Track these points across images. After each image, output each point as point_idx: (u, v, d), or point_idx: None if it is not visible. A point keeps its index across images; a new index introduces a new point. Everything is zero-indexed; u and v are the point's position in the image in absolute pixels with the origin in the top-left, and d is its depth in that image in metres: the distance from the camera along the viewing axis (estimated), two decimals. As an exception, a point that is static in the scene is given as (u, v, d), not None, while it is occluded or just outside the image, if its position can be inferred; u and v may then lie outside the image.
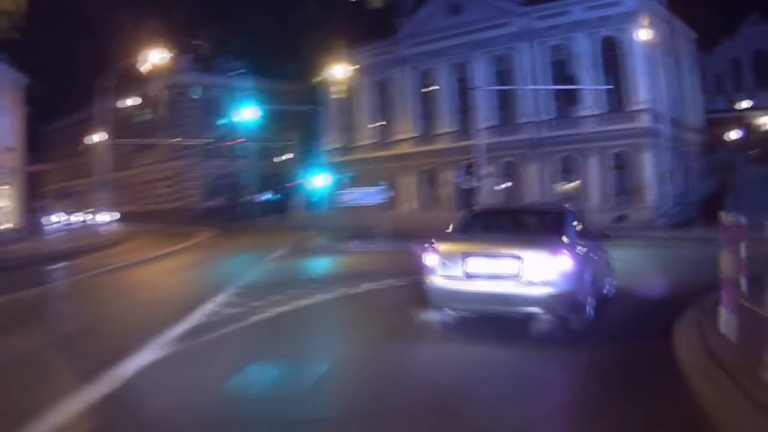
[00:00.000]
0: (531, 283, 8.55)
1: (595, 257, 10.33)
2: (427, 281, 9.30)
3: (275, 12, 64.75)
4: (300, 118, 63.29)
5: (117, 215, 49.72)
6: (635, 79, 42.50)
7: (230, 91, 65.99)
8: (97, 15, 61.81)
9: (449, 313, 9.54)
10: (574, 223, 10.00)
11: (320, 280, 18.08)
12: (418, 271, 10.38)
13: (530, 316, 8.91)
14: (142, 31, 45.76)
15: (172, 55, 41.44)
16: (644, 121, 42.37)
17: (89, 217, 58.77)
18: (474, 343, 8.83)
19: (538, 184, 45.57)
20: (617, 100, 43.54)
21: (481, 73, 47.50)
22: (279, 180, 66.49)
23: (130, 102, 58.63)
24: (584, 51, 43.92)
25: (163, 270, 22.91)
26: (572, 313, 8.87)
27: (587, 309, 9.18)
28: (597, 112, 43.86)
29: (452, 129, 49.44)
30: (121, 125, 57.91)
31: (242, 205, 65.61)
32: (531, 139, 45.70)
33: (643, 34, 38.63)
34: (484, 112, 45.87)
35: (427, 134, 51.02)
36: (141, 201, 75.48)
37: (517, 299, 8.65)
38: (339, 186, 45.58)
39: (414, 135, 51.58)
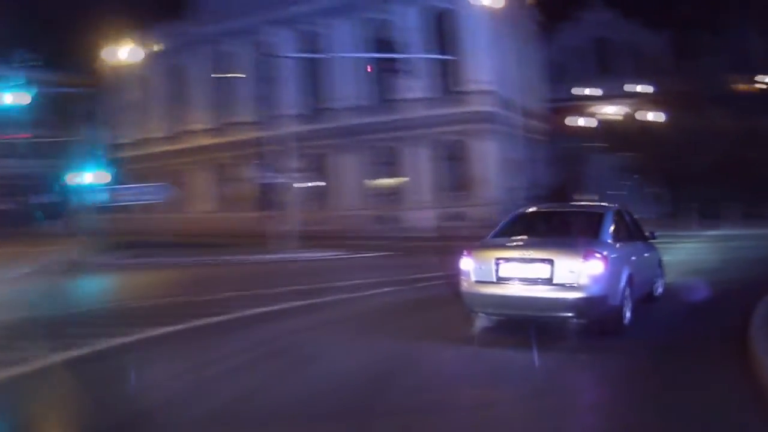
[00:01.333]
0: (563, 287, 8.51)
1: (637, 258, 10.14)
2: (462, 286, 9.22)
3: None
4: (86, 111, 53.23)
5: None
6: (474, 56, 36.06)
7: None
8: None
9: (483, 318, 9.53)
10: (613, 223, 9.70)
11: (54, 325, 10.37)
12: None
13: (563, 321, 9.02)
14: None
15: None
16: (484, 104, 36.11)
17: None
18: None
19: (355, 179, 38.98)
20: (452, 81, 36.99)
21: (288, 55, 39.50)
22: (59, 179, 55.86)
23: None
24: (413, 26, 37.28)
25: None
26: (606, 318, 8.80)
27: (624, 313, 9.07)
28: (428, 94, 37.14)
29: (253, 118, 41.43)
30: None
31: (27, 209, 54.96)
32: (348, 126, 38.56)
33: (484, 5, 31.78)
34: (291, 98, 38.71)
35: (224, 124, 43.65)
36: None
37: (548, 304, 8.61)
38: (115, 183, 36.29)
39: (210, 126, 44.32)
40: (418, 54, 35.00)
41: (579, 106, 46.73)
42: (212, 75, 42.89)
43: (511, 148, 36.01)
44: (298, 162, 35.24)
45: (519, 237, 9.76)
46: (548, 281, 8.55)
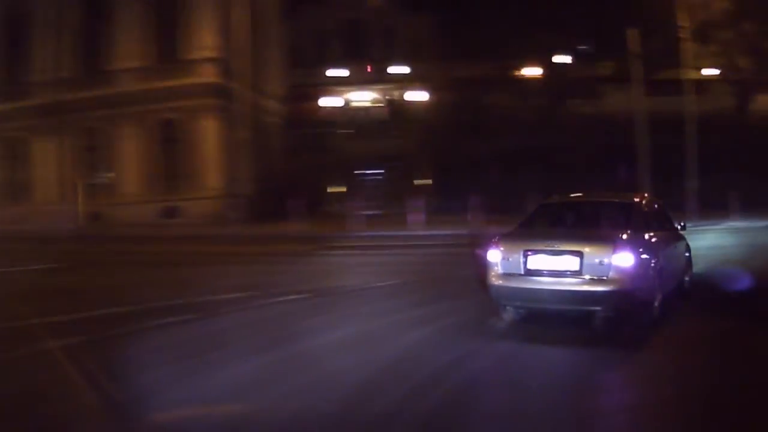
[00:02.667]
0: (591, 281, 8.45)
1: (667, 250, 9.96)
2: (489, 278, 9.08)
3: None
4: None
5: None
6: (198, 17, 30.56)
7: None
8: None
9: (510, 311, 9.30)
10: (643, 214, 9.84)
11: None
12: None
13: (591, 315, 8.70)
14: None
15: None
16: (209, 76, 30.57)
17: None
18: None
19: (57, 167, 32.04)
20: (172, 48, 31.08)
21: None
22: None
23: None
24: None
25: None
26: (635, 312, 8.80)
27: (654, 306, 9.05)
28: (144, 63, 30.92)
29: None
30: None
31: None
32: (46, 105, 31.35)
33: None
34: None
35: None
36: None
37: (577, 297, 8.56)
38: None
39: None
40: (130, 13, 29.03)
41: (330, 90, 42.70)
42: None
43: (245, 131, 30.72)
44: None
45: (547, 228, 9.88)
46: (577, 274, 8.53)
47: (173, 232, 25.75)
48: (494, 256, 9.09)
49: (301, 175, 33.56)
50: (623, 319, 8.67)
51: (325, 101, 41.45)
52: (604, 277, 8.37)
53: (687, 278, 11.32)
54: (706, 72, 29.38)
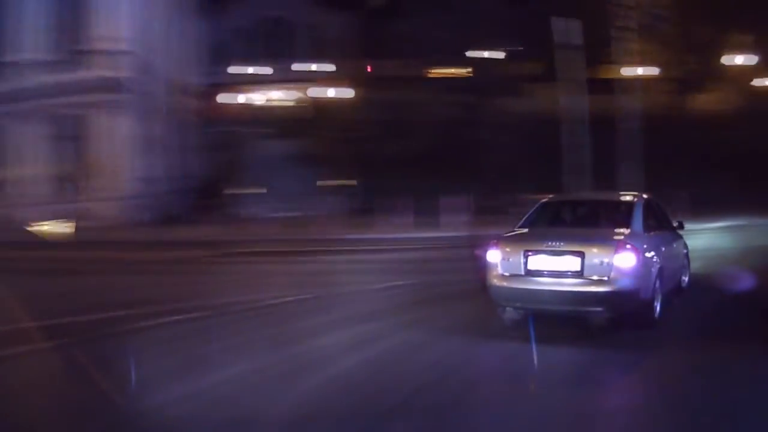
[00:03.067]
0: (593, 281, 8.42)
1: (667, 249, 9.96)
2: (489, 279, 9.07)
3: None
4: None
5: None
6: (106, 8, 28.77)
7: None
8: None
9: (510, 312, 9.30)
10: (644, 213, 9.61)
11: None
12: None
13: (592, 316, 8.74)
14: None
15: None
16: (117, 69, 28.75)
17: None
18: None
19: None
20: (74, 38, 29.14)
21: None
22: None
23: None
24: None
25: None
26: (637, 312, 8.72)
27: (654, 307, 9.04)
28: (42, 56, 28.89)
29: None
30: None
31: None
32: None
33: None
34: None
35: None
36: None
37: (578, 298, 8.52)
38: None
39: None
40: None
41: (246, 88, 41.37)
42: None
43: (153, 128, 29.15)
44: None
45: (547, 228, 9.83)
46: (578, 274, 8.46)
47: (75, 236, 24.11)
48: (494, 256, 9.01)
49: (215, 175, 32.17)
50: (624, 320, 8.65)
51: (244, 99, 40.18)
52: (606, 278, 8.32)
53: (685, 278, 11.37)
54: (643, 70, 28.87)
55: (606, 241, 8.65)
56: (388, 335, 8.52)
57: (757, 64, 34.05)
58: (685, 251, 11.48)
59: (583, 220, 10.26)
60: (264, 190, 32.99)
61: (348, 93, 37.07)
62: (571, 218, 10.42)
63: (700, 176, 26.69)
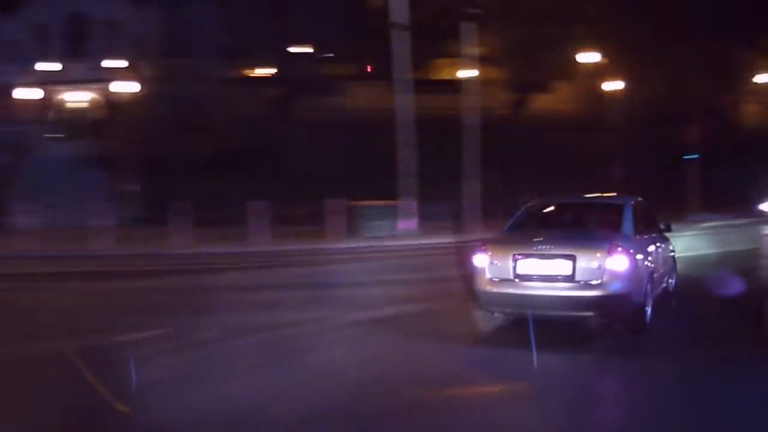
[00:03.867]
0: (584, 285, 8.29)
1: (656, 252, 9.90)
2: (477, 284, 8.93)
3: None
4: None
5: None
6: None
7: None
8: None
9: (499, 317, 9.32)
10: (634, 216, 9.51)
11: None
12: None
13: (584, 321, 8.82)
14: None
15: None
16: None
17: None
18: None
19: None
20: None
21: None
22: None
23: None
24: None
25: None
26: (628, 316, 8.65)
27: (646, 311, 8.94)
28: None
29: None
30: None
31: None
32: None
33: None
34: None
35: None
36: None
37: (570, 302, 8.41)
38: None
39: None
40: None
41: (41, 86, 38.98)
42: None
43: None
44: None
45: (537, 231, 9.58)
46: (570, 278, 8.33)
47: None
48: (481, 260, 8.84)
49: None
50: (615, 325, 8.70)
51: (37, 98, 38.19)
52: (598, 282, 8.21)
53: (671, 280, 11.34)
54: (474, 72, 28.06)
55: (598, 243, 8.54)
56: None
57: (599, 63, 34.46)
58: (672, 254, 11.49)
59: (573, 223, 10.17)
60: (46, 197, 30.80)
61: (142, 90, 35.48)
62: (560, 221, 10.33)
63: (538, 176, 26.67)
